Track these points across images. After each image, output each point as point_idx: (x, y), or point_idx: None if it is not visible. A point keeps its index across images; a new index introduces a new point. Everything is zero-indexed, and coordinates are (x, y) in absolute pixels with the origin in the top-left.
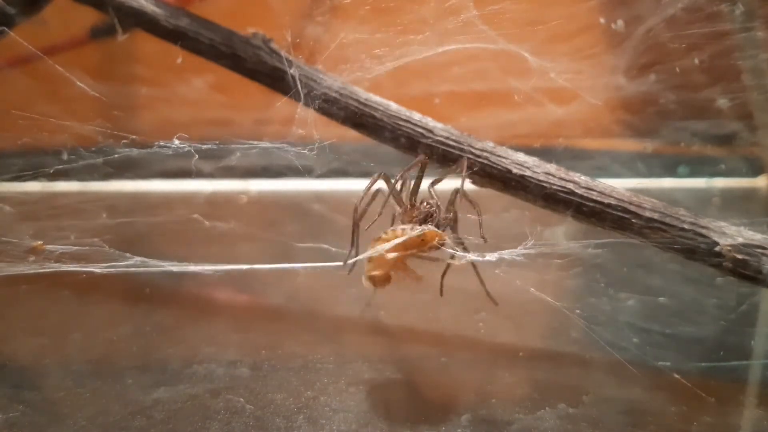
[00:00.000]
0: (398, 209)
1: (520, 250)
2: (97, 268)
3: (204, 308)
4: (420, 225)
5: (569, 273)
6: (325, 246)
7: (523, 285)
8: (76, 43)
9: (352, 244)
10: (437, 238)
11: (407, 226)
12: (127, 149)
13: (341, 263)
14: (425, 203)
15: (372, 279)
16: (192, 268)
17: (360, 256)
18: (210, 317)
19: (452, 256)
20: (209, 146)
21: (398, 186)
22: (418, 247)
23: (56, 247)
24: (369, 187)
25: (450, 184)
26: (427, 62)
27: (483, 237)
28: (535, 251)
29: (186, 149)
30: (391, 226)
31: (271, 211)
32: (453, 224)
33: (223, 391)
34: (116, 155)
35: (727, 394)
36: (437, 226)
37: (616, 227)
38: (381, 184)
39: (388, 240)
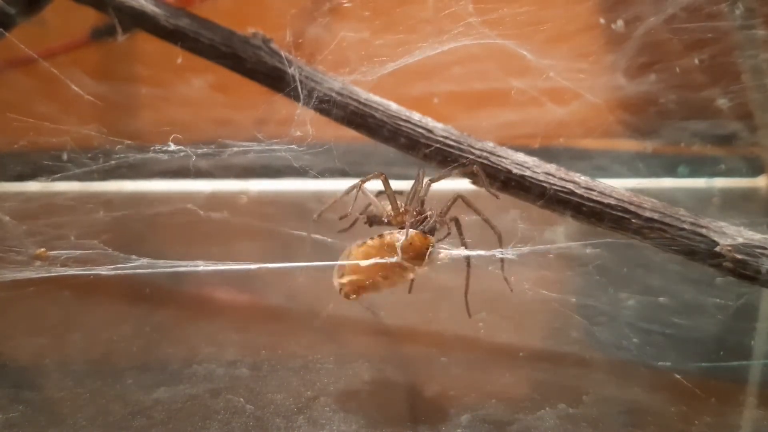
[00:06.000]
0: (388, 209)
1: (519, 249)
2: (104, 271)
3: (204, 308)
4: (410, 228)
5: (569, 273)
6: (322, 237)
7: (521, 283)
8: (77, 43)
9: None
10: (426, 244)
11: (396, 232)
12: (123, 155)
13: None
14: (420, 207)
15: (343, 286)
16: (201, 267)
17: (339, 262)
18: (210, 317)
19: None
20: (204, 150)
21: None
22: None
23: (60, 253)
24: (345, 193)
25: (451, 185)
26: (428, 63)
27: (507, 282)
28: (534, 251)
29: (182, 155)
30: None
31: (272, 210)
32: (457, 227)
33: (223, 391)
34: (113, 162)
35: (727, 394)
36: (431, 231)
37: (616, 227)
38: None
39: (373, 246)
